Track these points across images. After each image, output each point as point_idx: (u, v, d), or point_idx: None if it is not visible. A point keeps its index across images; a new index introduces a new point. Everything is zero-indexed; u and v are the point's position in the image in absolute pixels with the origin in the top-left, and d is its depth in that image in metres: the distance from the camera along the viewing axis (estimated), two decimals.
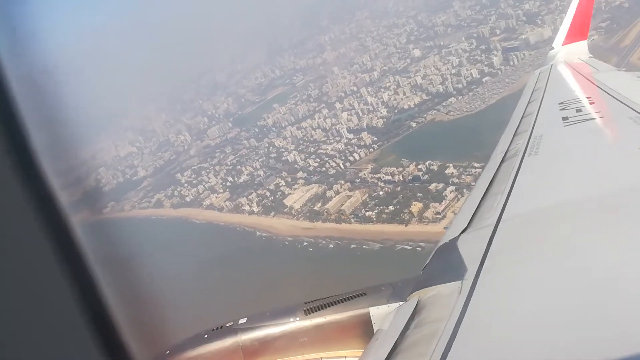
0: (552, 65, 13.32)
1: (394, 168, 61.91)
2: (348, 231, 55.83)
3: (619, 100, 8.16)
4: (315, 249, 55.63)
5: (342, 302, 4.93)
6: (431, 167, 58.64)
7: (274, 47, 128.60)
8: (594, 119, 7.85)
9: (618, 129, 7.43)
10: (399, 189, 58.59)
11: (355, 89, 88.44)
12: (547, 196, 5.54)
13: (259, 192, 71.06)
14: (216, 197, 74.57)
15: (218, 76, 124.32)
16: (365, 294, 4.94)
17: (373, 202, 58.44)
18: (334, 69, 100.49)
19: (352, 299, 4.94)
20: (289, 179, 70.67)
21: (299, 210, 63.91)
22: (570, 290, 3.56)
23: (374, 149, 69.24)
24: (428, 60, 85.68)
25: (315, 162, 71.69)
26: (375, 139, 70.90)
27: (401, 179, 59.57)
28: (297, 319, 4.90)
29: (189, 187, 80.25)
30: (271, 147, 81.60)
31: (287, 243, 59.30)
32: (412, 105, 75.12)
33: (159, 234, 69.12)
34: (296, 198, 65.72)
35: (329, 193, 63.47)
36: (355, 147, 70.83)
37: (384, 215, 55.87)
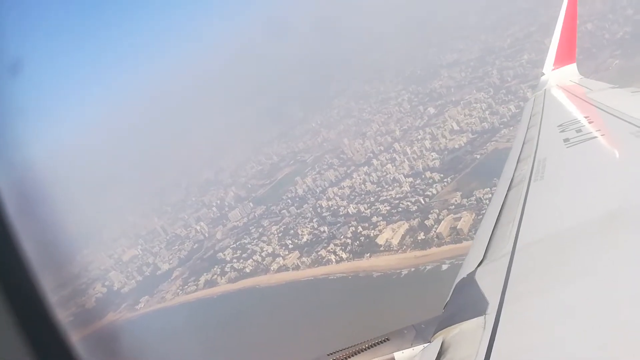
0: (545, 90, 13.51)
1: (488, 189, 60.36)
2: None
3: (617, 117, 8.21)
4: (451, 266, 51.40)
5: (366, 350, 4.79)
6: None
7: (256, 142, 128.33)
8: (595, 137, 7.83)
9: (620, 145, 7.33)
10: None
11: (382, 148, 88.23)
12: (559, 220, 5.42)
13: (335, 242, 66.22)
14: (284, 259, 68.46)
15: (205, 174, 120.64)
16: (388, 339, 4.85)
17: None
18: (344, 140, 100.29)
19: (375, 345, 4.81)
20: (366, 224, 66.78)
21: (400, 243, 59.79)
22: (597, 314, 3.41)
23: (447, 182, 67.70)
24: (451, 111, 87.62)
25: (385, 207, 68.64)
26: (442, 175, 69.74)
27: None
28: None
29: (242, 260, 73.40)
30: (319, 209, 77.78)
31: (407, 272, 54.58)
32: (462, 144, 75.47)
33: (246, 306, 61.63)
34: (388, 236, 61.75)
35: (427, 222, 60.29)
36: (425, 185, 69.06)
37: None
